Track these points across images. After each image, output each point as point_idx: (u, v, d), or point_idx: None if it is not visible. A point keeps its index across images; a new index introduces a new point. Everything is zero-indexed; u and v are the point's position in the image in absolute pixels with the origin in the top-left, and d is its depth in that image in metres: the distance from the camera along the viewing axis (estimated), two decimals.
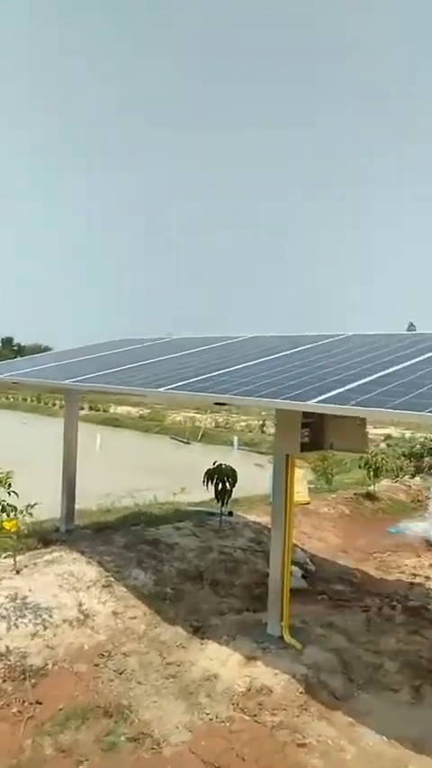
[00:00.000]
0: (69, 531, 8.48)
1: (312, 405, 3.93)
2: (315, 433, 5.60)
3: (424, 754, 4.04)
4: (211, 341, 8.14)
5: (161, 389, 5.23)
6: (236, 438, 31.60)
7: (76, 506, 8.94)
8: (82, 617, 5.79)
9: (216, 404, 5.43)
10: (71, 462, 8.75)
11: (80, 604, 5.96)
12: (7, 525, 6.22)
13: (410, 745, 4.12)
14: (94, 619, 5.81)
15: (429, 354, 5.26)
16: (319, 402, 3.92)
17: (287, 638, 5.48)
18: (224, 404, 5.18)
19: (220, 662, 5.19)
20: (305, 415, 5.30)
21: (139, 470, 18.70)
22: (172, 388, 5.15)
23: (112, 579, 6.56)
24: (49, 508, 8.05)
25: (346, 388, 4.16)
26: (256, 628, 5.74)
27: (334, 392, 4.15)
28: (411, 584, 7.36)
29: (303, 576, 7.55)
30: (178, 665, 5.14)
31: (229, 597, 6.78)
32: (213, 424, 37.86)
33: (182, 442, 32.73)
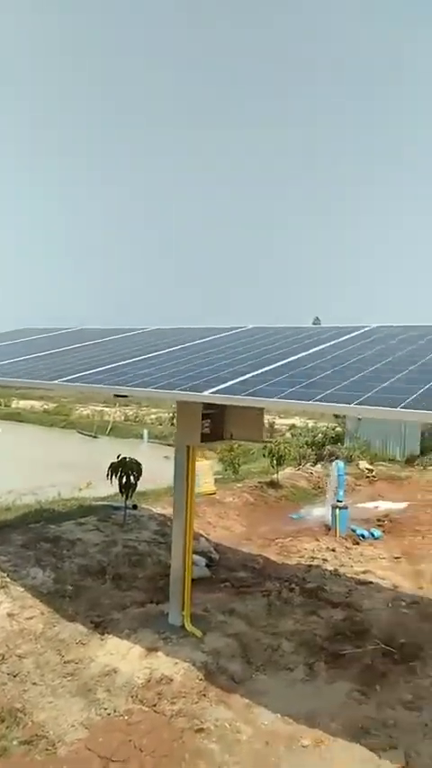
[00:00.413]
0: None
1: (206, 396, 3.95)
2: (215, 424, 5.66)
3: (316, 727, 4.22)
4: (116, 332, 7.99)
5: (55, 381, 5.06)
6: (146, 431, 31.43)
7: None
8: None
9: (116, 396, 5.35)
10: None
11: None
12: None
13: (303, 721, 4.29)
14: None
15: (323, 346, 5.47)
16: (213, 393, 3.95)
17: (188, 626, 5.53)
18: (125, 395, 5.12)
19: (121, 656, 5.15)
20: (206, 406, 5.35)
21: (42, 467, 18.07)
22: (67, 380, 5.00)
23: (8, 580, 6.30)
24: None
25: (240, 379, 4.23)
26: (159, 619, 5.75)
27: (229, 383, 4.21)
28: (309, 566, 7.66)
29: (207, 565, 7.65)
30: (77, 663, 5.03)
31: (133, 590, 6.72)
32: (123, 418, 37.39)
33: (89, 436, 32.06)
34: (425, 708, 4.44)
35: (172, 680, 4.75)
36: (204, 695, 4.61)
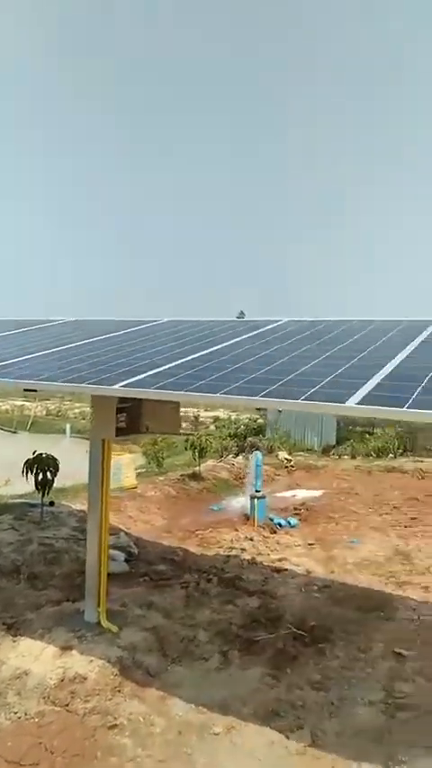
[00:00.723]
0: None
1: (116, 389, 3.91)
2: (132, 418, 5.61)
3: (229, 714, 4.31)
4: (31, 323, 7.73)
5: None
6: (68, 426, 30.66)
7: None
8: None
9: (25, 390, 5.19)
10: None
11: None
12: None
13: (217, 708, 4.37)
14: None
15: (238, 339, 5.54)
16: (123, 386, 3.91)
17: (104, 622, 5.47)
18: (34, 390, 4.97)
19: (34, 657, 5.01)
20: (122, 399, 5.29)
21: None
22: None
23: None
24: None
25: (152, 372, 4.22)
26: (74, 617, 5.64)
27: (141, 376, 4.18)
28: (228, 556, 7.78)
29: (126, 560, 7.59)
30: None
31: (49, 589, 6.56)
32: (45, 413, 36.29)
33: (9, 431, 30.90)
34: (332, 687, 4.64)
35: (86, 678, 4.68)
36: (119, 691, 4.59)
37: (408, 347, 4.24)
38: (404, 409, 2.94)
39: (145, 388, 3.87)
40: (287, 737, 4.05)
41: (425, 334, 4.83)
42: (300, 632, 5.49)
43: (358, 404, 3.07)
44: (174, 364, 4.46)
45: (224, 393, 3.58)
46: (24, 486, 10.12)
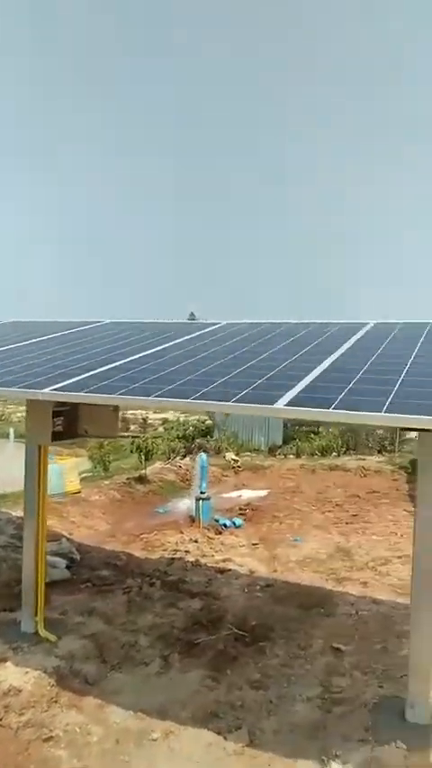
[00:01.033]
0: None
1: (47, 393, 3.82)
2: (69, 421, 5.50)
3: (168, 719, 4.28)
4: None
5: None
6: (12, 430, 29.79)
7: None
8: None
9: None
10: None
11: None
12: None
13: (155, 714, 4.33)
14: None
15: (178, 341, 5.52)
16: (54, 390, 3.83)
17: (42, 632, 5.33)
18: None
19: None
20: (59, 403, 5.17)
21: None
22: None
23: None
24: None
25: (86, 375, 4.15)
26: (10, 627, 5.48)
27: (75, 379, 4.10)
28: (172, 559, 7.75)
29: (68, 566, 7.44)
30: None
31: None
32: None
33: None
34: (271, 686, 4.68)
35: (21, 690, 4.55)
36: (55, 702, 4.48)
37: (339, 349, 4.33)
38: (329, 410, 2.99)
39: (79, 391, 3.80)
40: (225, 738, 4.05)
41: (358, 335, 4.96)
42: (241, 632, 5.52)
43: (287, 405, 3.11)
44: (109, 367, 4.41)
45: (157, 396, 3.55)
46: None
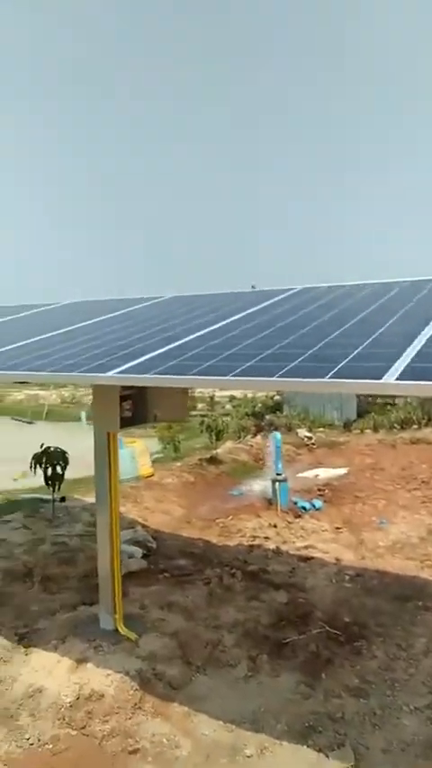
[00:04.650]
0: None
1: (108, 377, 3.41)
2: (137, 406, 5.12)
3: (261, 731, 3.88)
4: (27, 308, 7.27)
5: None
6: (84, 413, 30.41)
7: None
8: None
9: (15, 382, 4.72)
10: None
11: None
12: None
13: (247, 725, 3.94)
14: None
15: (249, 311, 4.99)
16: (117, 374, 3.41)
17: (121, 629, 5.06)
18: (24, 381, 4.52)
19: (47, 671, 4.62)
20: (125, 387, 4.80)
21: None
22: None
23: None
24: None
25: (150, 355, 3.70)
26: (90, 624, 5.24)
27: (139, 359, 3.68)
28: (251, 546, 7.34)
29: (145, 555, 7.18)
30: None
31: (64, 592, 6.18)
32: (59, 401, 36.09)
33: (25, 422, 30.75)
34: (372, 693, 4.19)
35: (103, 695, 4.28)
36: (140, 708, 4.18)
37: None
38: None
39: (143, 373, 3.37)
40: (327, 757, 3.61)
41: None
42: (333, 631, 5.03)
43: (397, 380, 2.54)
44: (177, 344, 3.95)
45: (235, 375, 3.06)
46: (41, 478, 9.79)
